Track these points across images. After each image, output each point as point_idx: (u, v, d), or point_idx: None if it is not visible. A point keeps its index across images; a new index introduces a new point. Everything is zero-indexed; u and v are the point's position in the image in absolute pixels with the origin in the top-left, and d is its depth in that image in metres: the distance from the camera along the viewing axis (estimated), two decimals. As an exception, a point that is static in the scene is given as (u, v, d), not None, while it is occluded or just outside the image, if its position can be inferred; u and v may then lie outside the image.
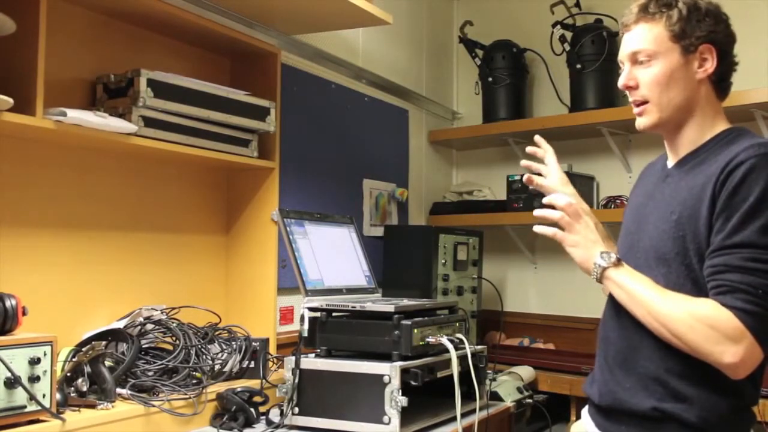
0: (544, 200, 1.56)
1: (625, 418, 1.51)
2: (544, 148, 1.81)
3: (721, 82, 1.54)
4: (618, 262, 1.48)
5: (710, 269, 1.39)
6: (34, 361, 1.48)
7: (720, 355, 1.35)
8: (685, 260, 1.44)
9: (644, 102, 1.54)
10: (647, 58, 1.51)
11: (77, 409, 1.63)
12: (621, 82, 1.56)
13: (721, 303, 1.36)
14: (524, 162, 1.81)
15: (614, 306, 1.57)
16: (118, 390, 1.73)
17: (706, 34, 1.50)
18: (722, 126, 1.54)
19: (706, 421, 1.41)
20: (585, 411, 1.68)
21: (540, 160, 1.80)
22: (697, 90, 1.52)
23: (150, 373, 1.84)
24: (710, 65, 1.51)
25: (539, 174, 1.77)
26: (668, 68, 1.50)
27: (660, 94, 1.51)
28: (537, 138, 1.83)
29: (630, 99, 1.57)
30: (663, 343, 1.44)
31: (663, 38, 1.50)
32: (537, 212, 1.55)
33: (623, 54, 1.56)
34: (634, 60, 1.54)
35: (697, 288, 1.42)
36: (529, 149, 1.82)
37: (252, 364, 2.10)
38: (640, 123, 1.57)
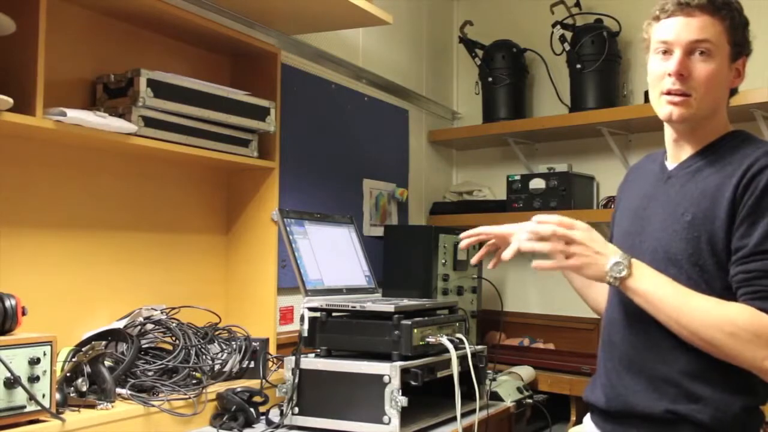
0: (528, 229, 1.49)
1: (636, 422, 1.49)
2: (475, 234, 1.71)
3: (733, 93, 1.56)
4: (631, 270, 1.42)
5: (744, 275, 1.38)
6: (34, 361, 1.48)
7: (762, 361, 1.34)
8: (699, 261, 1.43)
9: (687, 95, 1.47)
10: (708, 52, 1.45)
11: (77, 409, 1.63)
12: (674, 68, 1.45)
13: (758, 308, 1.34)
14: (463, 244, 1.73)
15: (618, 307, 1.56)
16: (118, 390, 1.73)
17: (747, 46, 1.51)
18: (726, 129, 1.55)
19: (719, 421, 1.40)
20: (587, 419, 1.66)
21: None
22: (725, 98, 1.53)
23: (150, 373, 1.84)
24: (742, 78, 1.52)
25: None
26: (720, 69, 1.47)
27: (706, 93, 1.47)
28: (463, 238, 1.73)
29: (673, 87, 1.47)
30: (674, 343, 1.43)
31: (723, 38, 1.47)
32: (524, 246, 1.50)
33: (679, 38, 1.46)
34: (692, 49, 1.46)
35: (709, 289, 1.41)
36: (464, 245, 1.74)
37: (252, 364, 2.10)
38: (675, 112, 1.48)
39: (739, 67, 1.52)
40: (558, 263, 1.47)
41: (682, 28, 1.46)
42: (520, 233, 1.56)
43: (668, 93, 1.48)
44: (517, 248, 1.53)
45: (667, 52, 1.48)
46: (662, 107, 1.50)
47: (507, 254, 1.55)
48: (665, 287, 1.42)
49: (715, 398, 1.41)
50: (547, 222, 1.47)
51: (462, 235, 1.74)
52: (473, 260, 1.75)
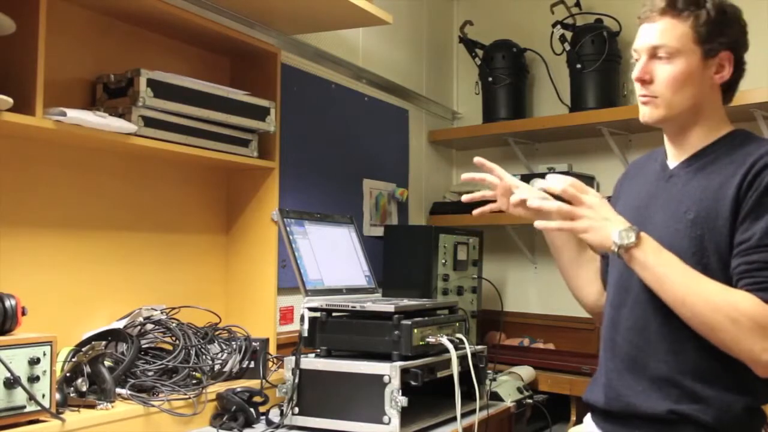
0: (539, 185, 1.49)
1: (637, 422, 1.48)
2: (489, 166, 1.74)
3: (730, 89, 1.54)
4: (639, 240, 1.40)
5: (745, 266, 1.38)
6: (34, 361, 1.48)
7: (760, 352, 1.34)
8: (702, 259, 1.43)
9: (652, 97, 1.50)
10: (668, 54, 1.48)
11: (77, 409, 1.63)
12: (636, 75, 1.52)
13: (761, 299, 1.34)
14: (465, 176, 1.76)
15: (617, 306, 1.56)
16: (118, 390, 1.73)
17: (728, 41, 1.49)
18: (727, 128, 1.55)
19: (721, 421, 1.40)
20: (588, 418, 1.66)
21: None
22: (708, 95, 1.51)
23: (150, 373, 1.84)
24: (727, 73, 1.51)
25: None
26: (687, 69, 1.47)
27: (673, 94, 1.48)
28: (477, 160, 1.75)
29: (640, 92, 1.53)
30: (675, 342, 1.43)
31: (687, 38, 1.47)
32: (533, 204, 1.52)
33: (642, 45, 1.52)
34: (653, 54, 1.50)
35: None
36: (477, 161, 1.74)
37: (252, 364, 2.10)
38: (645, 114, 1.53)
39: (723, 62, 1.50)
40: (563, 224, 1.46)
41: (644, 35, 1.52)
42: (525, 191, 1.62)
43: (640, 97, 1.53)
44: (519, 200, 1.60)
45: (638, 59, 1.54)
46: (639, 111, 1.55)
47: (508, 202, 1.64)
48: (673, 263, 1.41)
49: (717, 398, 1.41)
50: (554, 189, 1.47)
51: (465, 176, 1.77)
52: (476, 212, 1.75)
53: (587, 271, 1.74)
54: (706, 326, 1.38)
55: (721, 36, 1.48)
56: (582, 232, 1.44)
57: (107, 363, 1.76)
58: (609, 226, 1.42)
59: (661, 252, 1.42)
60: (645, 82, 1.51)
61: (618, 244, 1.40)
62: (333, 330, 1.96)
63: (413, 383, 1.83)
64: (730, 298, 1.36)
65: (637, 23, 1.56)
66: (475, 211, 1.74)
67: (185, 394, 1.82)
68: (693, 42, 1.47)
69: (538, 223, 1.47)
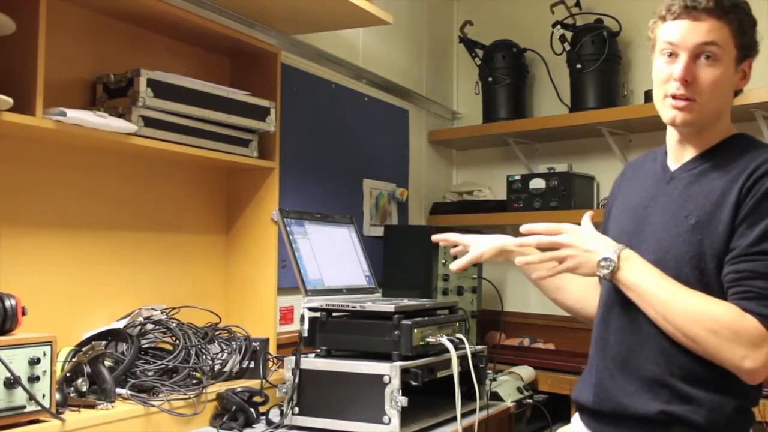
0: (512, 243, 1.59)
1: (629, 423, 1.48)
2: (450, 240, 1.85)
3: (739, 92, 1.54)
4: (618, 265, 1.44)
5: (734, 274, 1.38)
6: (34, 361, 1.48)
7: (741, 360, 1.35)
8: (700, 264, 1.43)
9: (691, 99, 1.45)
10: (714, 56, 1.43)
11: (77, 409, 1.63)
12: (679, 74, 1.43)
13: (744, 308, 1.35)
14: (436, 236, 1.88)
15: (609, 306, 1.56)
16: (118, 390, 1.73)
17: (754, 47, 1.49)
18: (730, 131, 1.54)
19: (712, 422, 1.41)
20: (576, 417, 1.66)
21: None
22: (730, 99, 1.51)
23: (150, 373, 1.84)
24: (747, 79, 1.51)
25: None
26: (726, 74, 1.45)
27: (711, 98, 1.45)
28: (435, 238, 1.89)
29: (677, 92, 1.45)
30: (666, 344, 1.43)
31: (729, 41, 1.44)
32: (519, 261, 1.59)
33: (685, 41, 1.44)
34: (698, 53, 1.43)
35: (707, 292, 1.41)
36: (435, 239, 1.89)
37: (252, 364, 2.10)
38: (679, 117, 1.46)
39: (745, 69, 1.50)
40: (553, 269, 1.51)
41: (688, 32, 1.44)
42: (476, 245, 1.75)
43: (673, 97, 1.46)
44: (470, 260, 1.74)
45: (672, 54, 1.47)
46: (666, 110, 1.49)
47: (454, 266, 1.73)
48: (654, 281, 1.43)
49: (708, 399, 1.41)
50: (533, 232, 1.52)
51: (435, 237, 1.89)
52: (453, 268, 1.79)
53: (557, 282, 1.79)
54: (688, 338, 1.39)
55: (752, 42, 1.49)
56: (571, 271, 1.51)
57: (107, 363, 1.76)
58: (592, 258, 1.47)
59: (643, 271, 1.44)
60: (688, 82, 1.44)
61: (602, 274, 1.46)
62: (333, 330, 1.96)
63: (413, 383, 1.83)
64: (708, 311, 1.37)
65: (667, 14, 1.47)
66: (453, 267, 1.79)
67: (185, 394, 1.82)
68: (733, 46, 1.45)
69: (536, 275, 1.57)
